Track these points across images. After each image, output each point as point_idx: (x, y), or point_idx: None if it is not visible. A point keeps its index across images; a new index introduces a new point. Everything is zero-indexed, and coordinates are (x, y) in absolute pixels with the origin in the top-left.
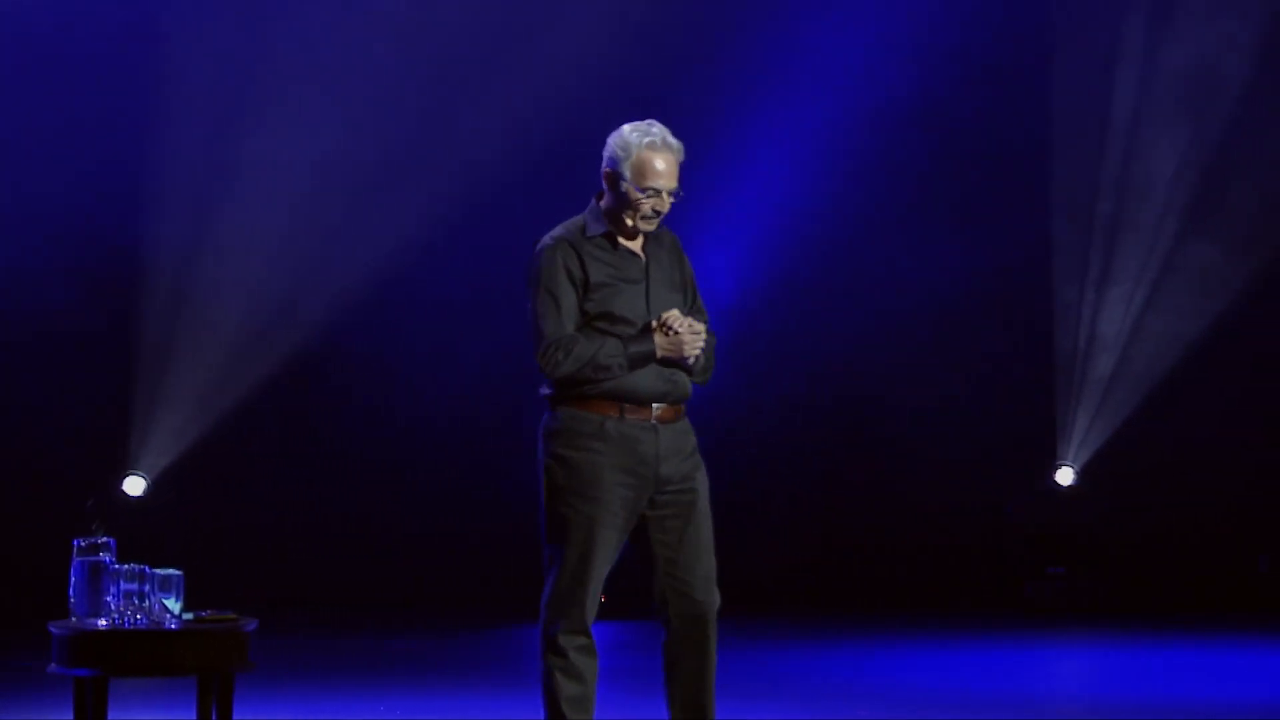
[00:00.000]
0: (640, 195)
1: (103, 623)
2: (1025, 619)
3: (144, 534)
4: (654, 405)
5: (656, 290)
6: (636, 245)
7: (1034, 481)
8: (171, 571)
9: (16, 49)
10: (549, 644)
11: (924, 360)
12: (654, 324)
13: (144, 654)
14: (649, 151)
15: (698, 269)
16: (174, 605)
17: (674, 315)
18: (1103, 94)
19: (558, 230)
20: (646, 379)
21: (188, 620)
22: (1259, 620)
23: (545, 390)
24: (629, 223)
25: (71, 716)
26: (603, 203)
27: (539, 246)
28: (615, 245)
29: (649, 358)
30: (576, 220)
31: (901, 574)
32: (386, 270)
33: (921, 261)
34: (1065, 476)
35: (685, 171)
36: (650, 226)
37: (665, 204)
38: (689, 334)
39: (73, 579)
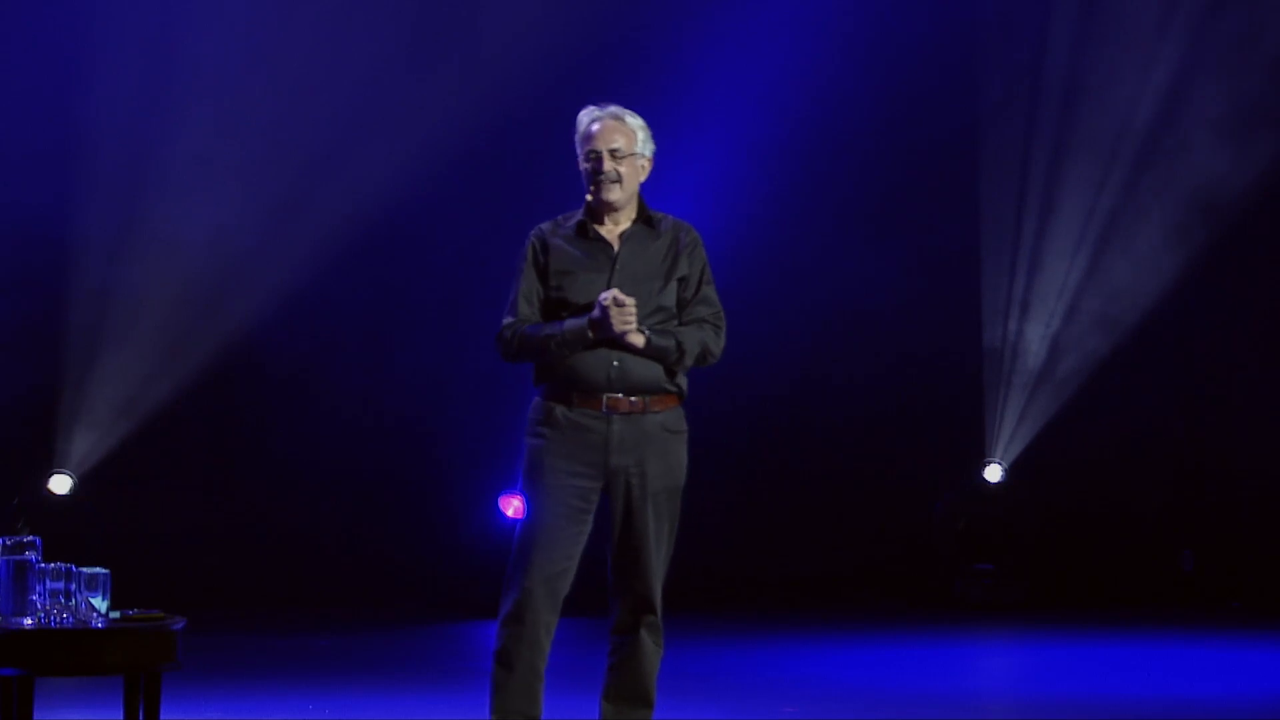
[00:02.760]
0: (582, 161)
1: (29, 622)
2: (954, 615)
3: (70, 532)
4: (605, 395)
5: (622, 278)
6: (613, 235)
7: (963, 478)
8: (98, 570)
9: None
10: (499, 627)
11: (852, 357)
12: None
13: (70, 653)
14: (584, 118)
15: None
16: (101, 604)
17: (607, 293)
18: (1031, 89)
19: (546, 221)
20: (592, 366)
21: (114, 619)
22: (1183, 616)
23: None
24: (589, 196)
25: None
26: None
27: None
28: (586, 233)
29: (582, 333)
30: (568, 213)
31: (830, 570)
32: (315, 268)
33: (849, 260)
34: (994, 473)
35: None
36: (609, 193)
37: (607, 164)
38: (614, 308)
39: None
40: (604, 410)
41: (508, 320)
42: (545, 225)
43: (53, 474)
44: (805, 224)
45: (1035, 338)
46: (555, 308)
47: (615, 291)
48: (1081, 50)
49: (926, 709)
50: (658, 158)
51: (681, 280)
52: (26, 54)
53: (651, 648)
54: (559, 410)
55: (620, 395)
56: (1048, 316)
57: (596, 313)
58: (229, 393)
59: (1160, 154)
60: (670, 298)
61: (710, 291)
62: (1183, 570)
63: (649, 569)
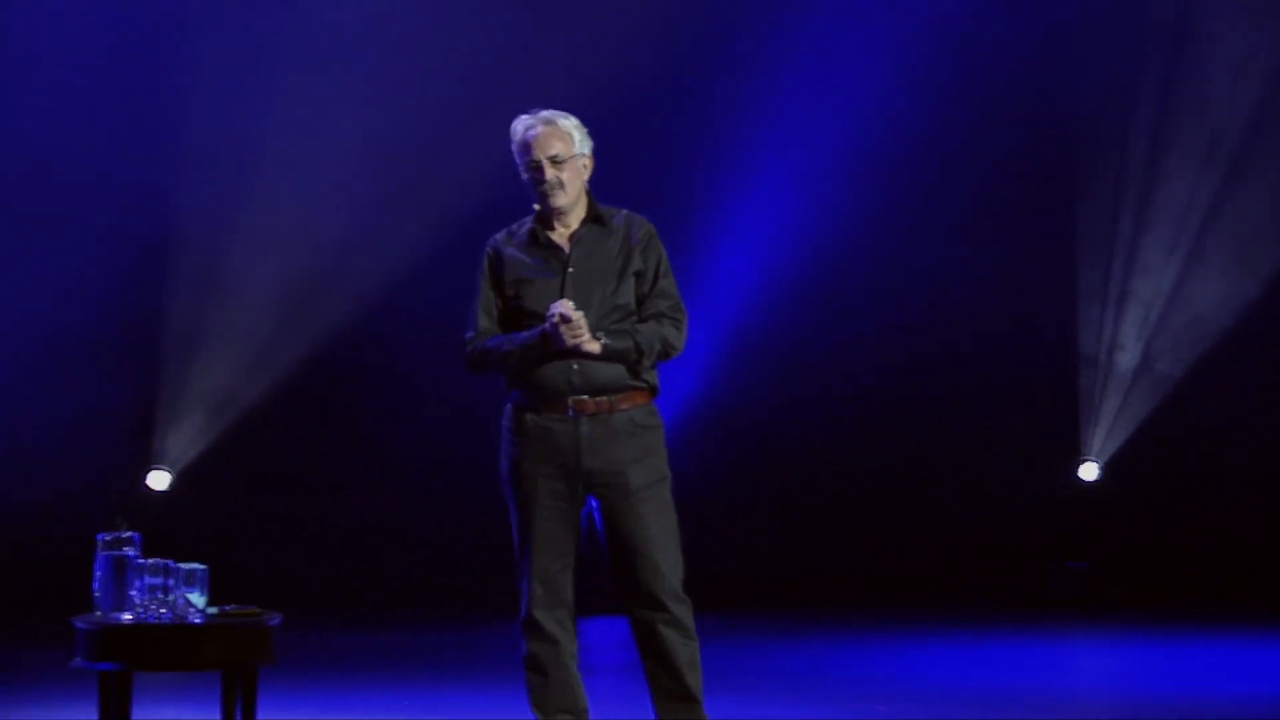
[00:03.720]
0: (524, 173)
1: (127, 617)
2: (1047, 613)
3: (168, 528)
4: (570, 398)
5: (575, 281)
6: (564, 238)
7: (1058, 476)
8: (195, 566)
9: (36, 43)
10: (521, 633)
11: (947, 356)
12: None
13: (168, 649)
14: (518, 129)
15: (721, 270)
16: (198, 600)
17: (555, 305)
18: (1126, 97)
19: (499, 231)
20: (552, 373)
21: (211, 615)
22: None
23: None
24: (536, 205)
25: (95, 711)
26: None
27: None
28: (537, 239)
29: (536, 346)
30: (520, 220)
31: (924, 568)
32: (410, 263)
33: (945, 259)
34: (1089, 471)
35: (708, 172)
36: (555, 199)
37: (549, 172)
38: (563, 325)
39: (97, 573)
40: (570, 413)
41: (469, 335)
42: (499, 235)
43: (151, 470)
44: (900, 224)
45: (1131, 335)
46: (515, 316)
47: (563, 305)
48: (1179, 47)
49: (1019, 708)
50: (760, 156)
51: (637, 275)
52: (122, 51)
53: (676, 642)
54: (529, 417)
55: (585, 397)
56: (1144, 314)
57: (547, 327)
58: (324, 388)
59: (1258, 154)
60: (627, 295)
61: (668, 284)
62: None
63: (650, 568)
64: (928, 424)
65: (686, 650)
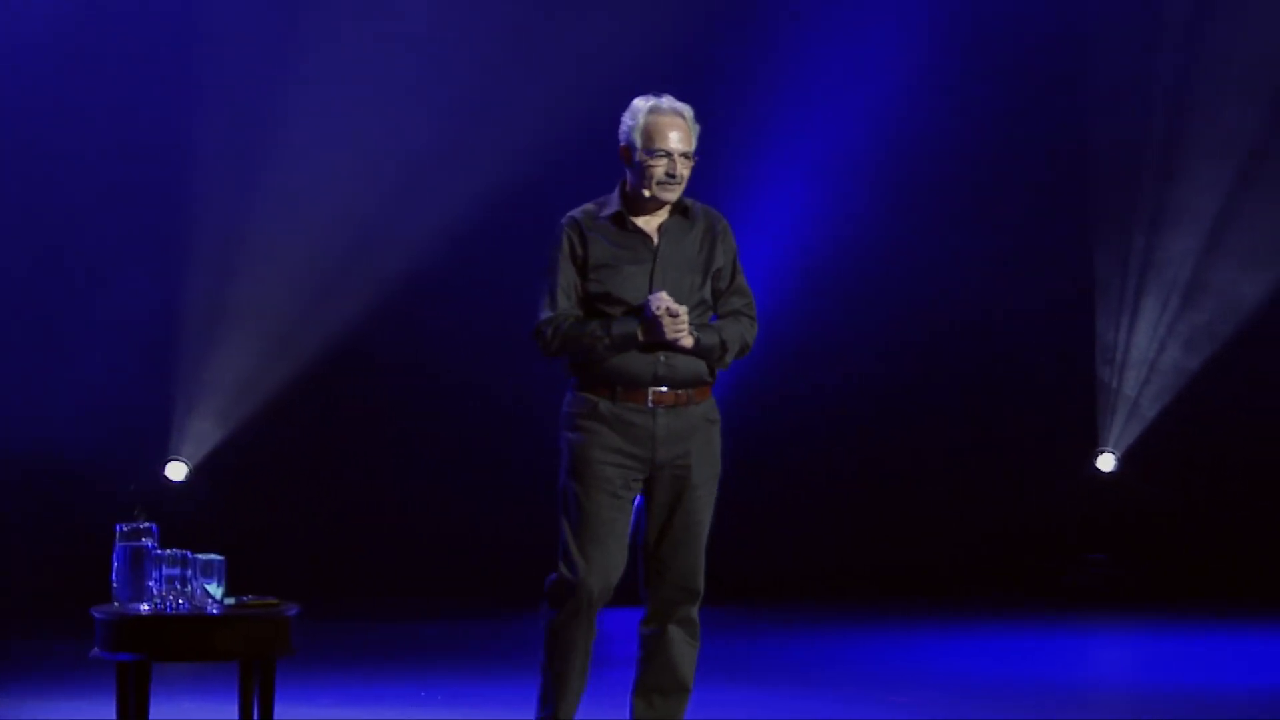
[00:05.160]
0: (650, 159)
1: (145, 608)
2: (1066, 605)
3: (186, 519)
4: (650, 389)
5: (663, 271)
6: (652, 226)
7: (1075, 467)
8: (213, 556)
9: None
10: (549, 622)
11: (965, 347)
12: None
13: (186, 639)
14: (654, 115)
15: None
16: (216, 590)
17: (658, 298)
18: (1142, 88)
19: (576, 209)
20: (638, 362)
21: (229, 605)
22: None
23: (567, 374)
24: (646, 193)
25: (114, 701)
26: (625, 182)
27: (557, 226)
28: (624, 225)
29: (632, 339)
30: (602, 199)
31: (941, 561)
32: (427, 256)
33: (961, 251)
34: (1107, 463)
35: (727, 165)
36: (670, 194)
37: (678, 166)
38: (666, 318)
39: (115, 564)
40: (649, 404)
41: (547, 315)
42: (578, 215)
43: (169, 461)
44: (914, 215)
45: (1148, 326)
46: (594, 301)
47: (667, 300)
48: (1193, 45)
49: (1037, 701)
50: (767, 152)
51: (717, 271)
52: (135, 44)
53: (684, 641)
54: (603, 404)
55: (665, 389)
56: (1161, 305)
57: (649, 317)
58: (343, 379)
59: (1273, 147)
60: (708, 289)
61: (743, 281)
62: None
63: (698, 558)
64: (944, 416)
65: (692, 651)
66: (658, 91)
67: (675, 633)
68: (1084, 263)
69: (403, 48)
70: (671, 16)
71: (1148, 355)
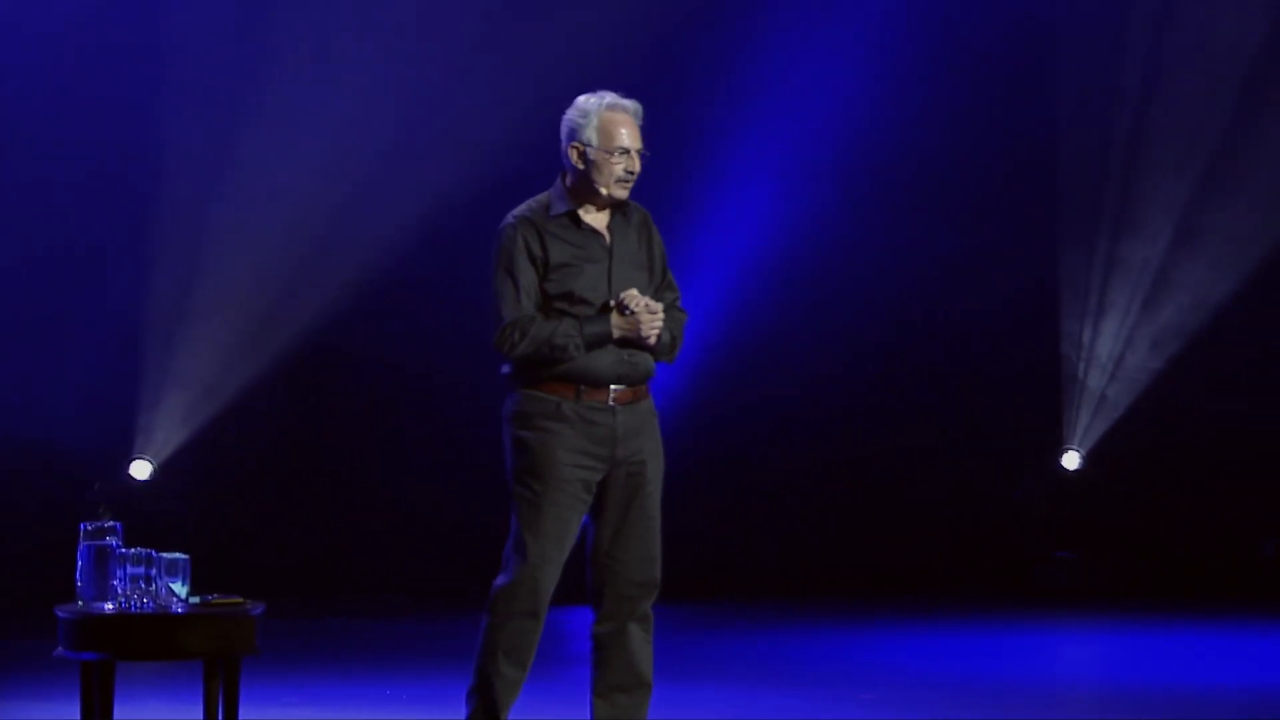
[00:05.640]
0: (610, 157)
1: (109, 607)
2: (1034, 603)
3: (151, 518)
4: (612, 387)
5: (619, 269)
6: (601, 224)
7: (1041, 465)
8: (178, 555)
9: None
10: (500, 624)
11: (929, 345)
12: (612, 304)
13: (150, 638)
14: (612, 112)
15: (701, 259)
16: (180, 589)
17: (631, 295)
18: (1109, 85)
19: (521, 209)
20: (605, 360)
21: (194, 604)
22: (1263, 604)
23: (506, 371)
24: (604, 192)
25: (78, 700)
26: (568, 181)
27: (501, 225)
28: (578, 224)
29: (606, 338)
30: (541, 198)
31: (910, 558)
32: (396, 253)
33: (925, 249)
34: (1072, 460)
35: (695, 162)
36: (624, 192)
37: (636, 164)
38: (646, 314)
39: (80, 563)
40: (610, 403)
41: (511, 316)
42: (527, 215)
43: (133, 459)
44: (880, 215)
45: (1113, 323)
46: (554, 301)
47: (643, 297)
48: (1161, 44)
49: (1007, 697)
50: (735, 150)
51: (651, 265)
52: (101, 44)
53: (642, 637)
54: (566, 404)
55: (624, 387)
56: (1126, 303)
57: (628, 314)
58: (310, 377)
59: (1239, 148)
60: (652, 284)
61: (671, 275)
62: (1264, 556)
63: (657, 548)
64: (911, 414)
65: (648, 646)
66: (599, 89)
67: (634, 629)
68: (1050, 261)
69: (376, 42)
70: (641, 14)
71: (1114, 353)
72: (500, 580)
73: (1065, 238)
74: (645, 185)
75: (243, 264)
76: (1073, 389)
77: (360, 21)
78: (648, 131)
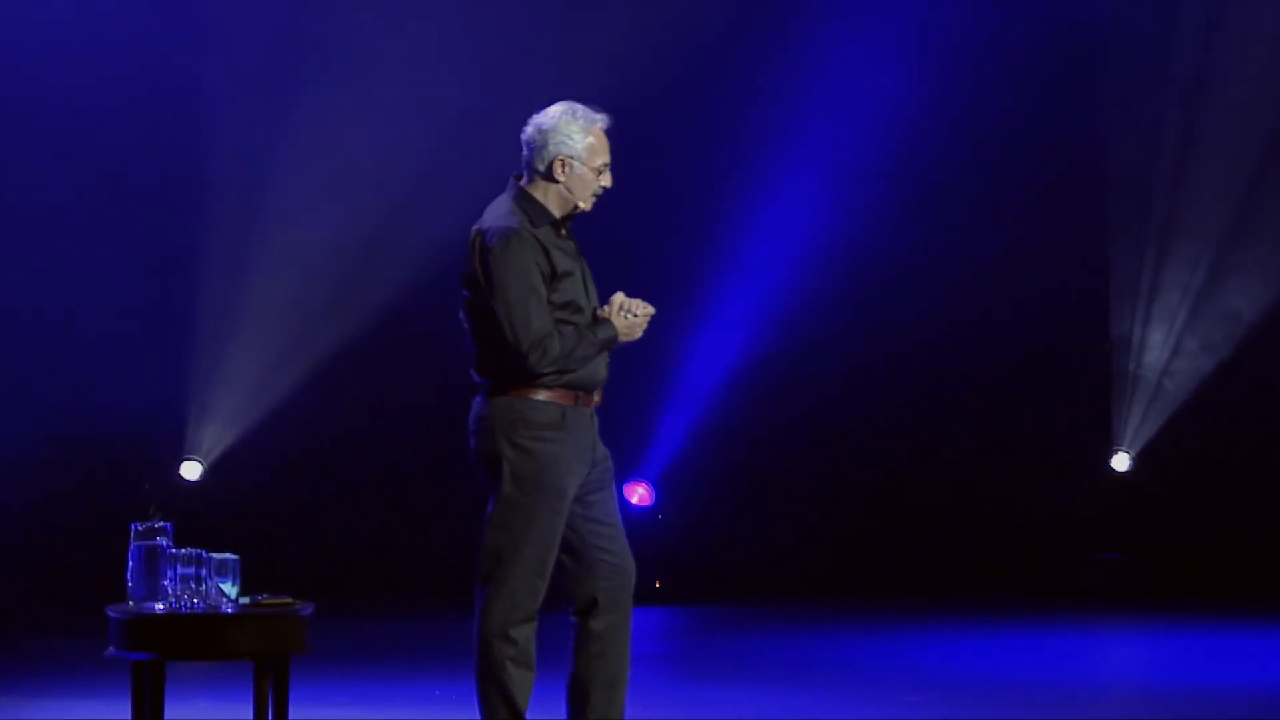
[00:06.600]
0: (598, 175)
1: (160, 607)
2: (1080, 604)
3: (201, 518)
4: (595, 392)
5: (588, 276)
6: (568, 233)
7: (1090, 467)
8: (228, 556)
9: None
10: (500, 634)
11: (980, 346)
12: (606, 309)
13: (200, 638)
14: (599, 129)
15: (751, 261)
16: (230, 589)
17: (633, 300)
18: (1159, 84)
19: (503, 221)
20: (600, 367)
21: (244, 604)
22: None
23: (483, 379)
24: (581, 205)
25: (129, 700)
26: (539, 191)
27: (500, 238)
28: (560, 234)
29: (612, 343)
30: (511, 207)
31: (956, 559)
32: (440, 257)
33: (976, 252)
34: (1121, 462)
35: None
36: (591, 205)
37: (609, 179)
38: (644, 315)
39: (130, 563)
40: (592, 408)
41: (543, 327)
42: (520, 227)
43: (184, 460)
44: (932, 218)
45: (1162, 327)
46: (558, 310)
47: (633, 299)
48: (1208, 41)
49: (1051, 698)
50: (782, 154)
51: None
52: (146, 46)
53: (628, 628)
54: (569, 412)
55: (599, 392)
56: (1176, 306)
57: (632, 319)
58: (356, 379)
59: None
60: None
61: None
62: None
63: (626, 546)
64: (960, 416)
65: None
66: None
67: (626, 620)
68: (1099, 263)
69: (416, 51)
70: (684, 21)
71: (1164, 355)
72: (498, 591)
73: (1114, 240)
74: (692, 191)
75: (290, 269)
76: (1122, 391)
77: (401, 30)
78: (695, 138)
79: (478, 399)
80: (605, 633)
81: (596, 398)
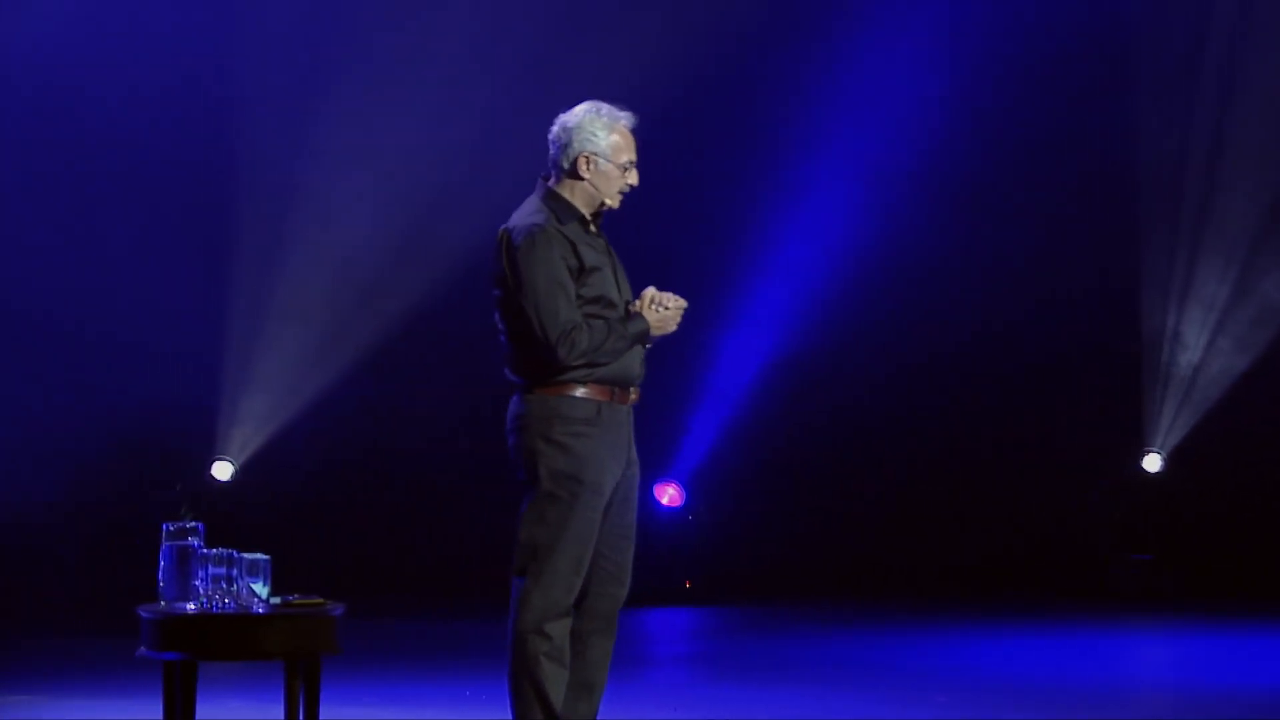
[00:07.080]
0: (624, 172)
1: (191, 607)
2: (1111, 605)
3: (232, 518)
4: (631, 389)
5: (619, 271)
6: (596, 228)
7: (1121, 468)
8: (259, 556)
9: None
10: (536, 629)
11: (1012, 347)
12: (638, 304)
13: (232, 638)
14: (623, 127)
15: (782, 262)
16: (261, 589)
17: (665, 294)
18: (1190, 85)
19: (530, 219)
20: (634, 363)
21: (275, 604)
22: None
23: (517, 378)
24: (608, 202)
25: (160, 700)
26: (566, 189)
27: (526, 235)
28: (587, 229)
29: (644, 336)
30: (538, 207)
31: (987, 560)
32: (471, 259)
33: (1009, 252)
34: (1153, 463)
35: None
36: (619, 203)
37: (636, 177)
38: (676, 309)
39: (162, 563)
40: (628, 404)
41: (570, 320)
42: (545, 223)
43: (215, 461)
44: (963, 219)
45: (1195, 327)
46: (588, 305)
47: (664, 293)
48: (1238, 41)
49: (1080, 700)
50: (815, 156)
51: None
52: (178, 57)
53: (610, 644)
54: (604, 408)
55: (635, 389)
56: (1207, 306)
57: (664, 312)
58: (387, 380)
59: None
60: None
61: None
62: None
63: (632, 550)
64: (991, 416)
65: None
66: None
67: (609, 633)
68: (1131, 264)
69: (444, 55)
70: (716, 23)
71: (1196, 355)
72: (536, 587)
73: (1146, 239)
74: (725, 192)
75: (322, 270)
76: (1154, 391)
77: (429, 34)
78: (728, 140)
79: (514, 398)
80: (585, 636)
81: (634, 395)
